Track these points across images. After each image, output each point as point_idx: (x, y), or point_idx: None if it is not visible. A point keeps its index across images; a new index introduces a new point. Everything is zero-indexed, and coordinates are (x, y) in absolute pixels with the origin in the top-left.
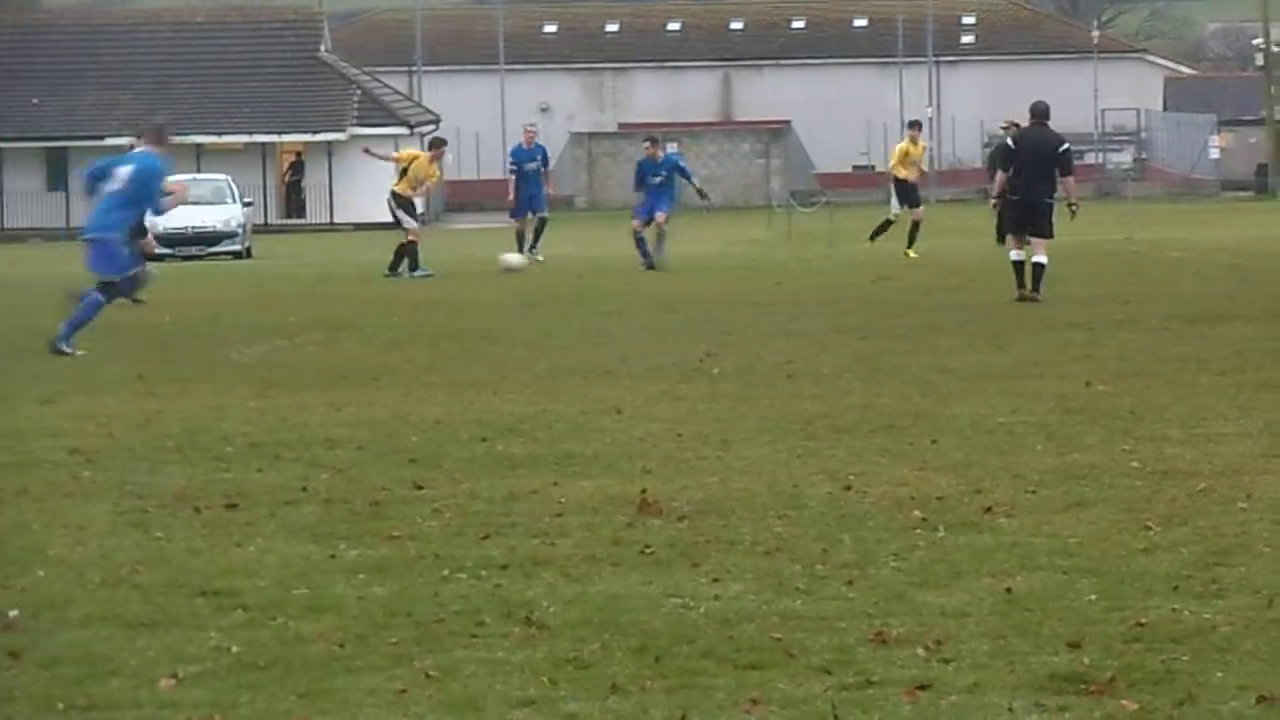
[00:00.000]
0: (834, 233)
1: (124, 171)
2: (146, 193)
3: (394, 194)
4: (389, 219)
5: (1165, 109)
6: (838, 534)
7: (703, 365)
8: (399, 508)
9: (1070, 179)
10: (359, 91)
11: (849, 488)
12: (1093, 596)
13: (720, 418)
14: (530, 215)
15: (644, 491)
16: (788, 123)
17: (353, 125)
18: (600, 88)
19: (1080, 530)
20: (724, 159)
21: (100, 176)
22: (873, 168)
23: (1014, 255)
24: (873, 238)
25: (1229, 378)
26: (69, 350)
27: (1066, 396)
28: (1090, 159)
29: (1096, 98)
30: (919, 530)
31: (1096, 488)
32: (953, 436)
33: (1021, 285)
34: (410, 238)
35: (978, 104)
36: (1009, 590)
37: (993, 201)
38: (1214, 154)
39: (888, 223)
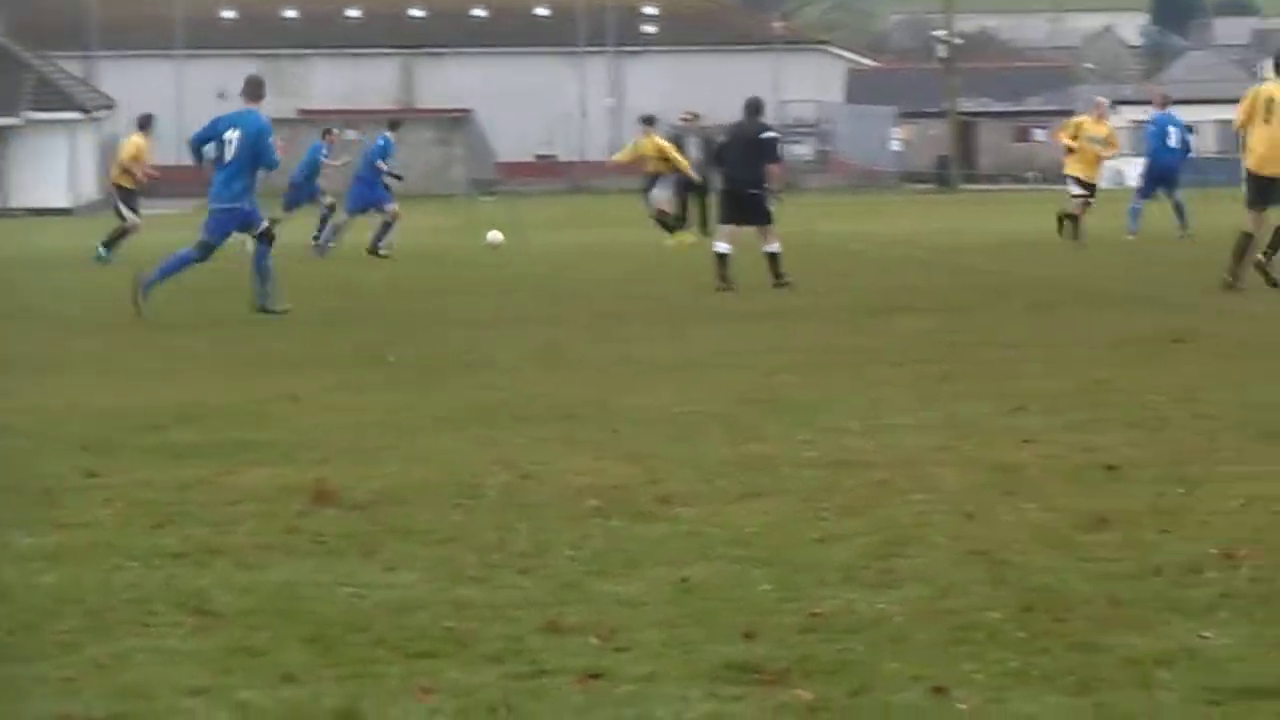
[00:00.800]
0: (517, 222)
1: (233, 136)
2: (261, 151)
3: (118, 187)
4: (64, 205)
5: (847, 101)
6: (514, 523)
7: (381, 353)
8: (71, 496)
9: (775, 166)
10: (34, 76)
11: (527, 477)
12: (768, 586)
13: (399, 407)
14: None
15: (319, 480)
16: (469, 111)
17: (28, 110)
18: (279, 74)
19: (756, 520)
20: (405, 147)
21: (204, 140)
22: (554, 157)
23: (719, 247)
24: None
25: (908, 369)
26: (278, 309)
27: (745, 387)
28: None
29: (778, 89)
30: (595, 519)
31: (773, 478)
32: (631, 426)
33: (723, 278)
34: (127, 227)
35: (660, 95)
36: (684, 580)
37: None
38: (895, 146)
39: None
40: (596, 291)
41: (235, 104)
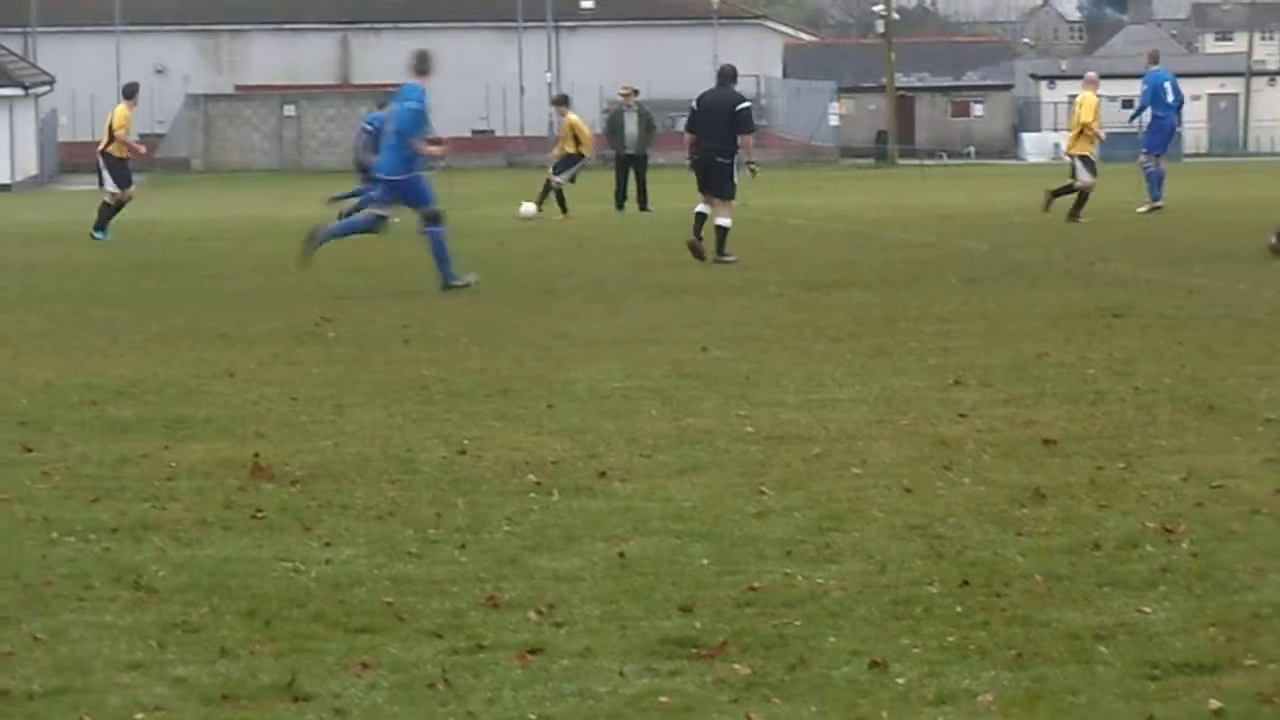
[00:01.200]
0: (453, 197)
1: (394, 110)
2: (401, 119)
3: (106, 154)
4: (3, 181)
5: (785, 75)
6: (451, 498)
7: (317, 329)
8: (7, 470)
9: (748, 138)
10: None
11: (464, 452)
12: (705, 561)
13: (335, 382)
14: None
15: (256, 455)
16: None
17: None
18: (217, 50)
19: (694, 495)
20: (342, 122)
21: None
22: (492, 132)
23: (700, 208)
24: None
25: (845, 344)
26: (464, 281)
27: (682, 362)
28: None
29: (716, 64)
30: (533, 494)
31: (711, 452)
32: (568, 401)
33: (698, 234)
34: (115, 199)
35: (598, 69)
36: (622, 554)
37: (689, 161)
38: (834, 121)
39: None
40: (533, 266)
41: (173, 80)
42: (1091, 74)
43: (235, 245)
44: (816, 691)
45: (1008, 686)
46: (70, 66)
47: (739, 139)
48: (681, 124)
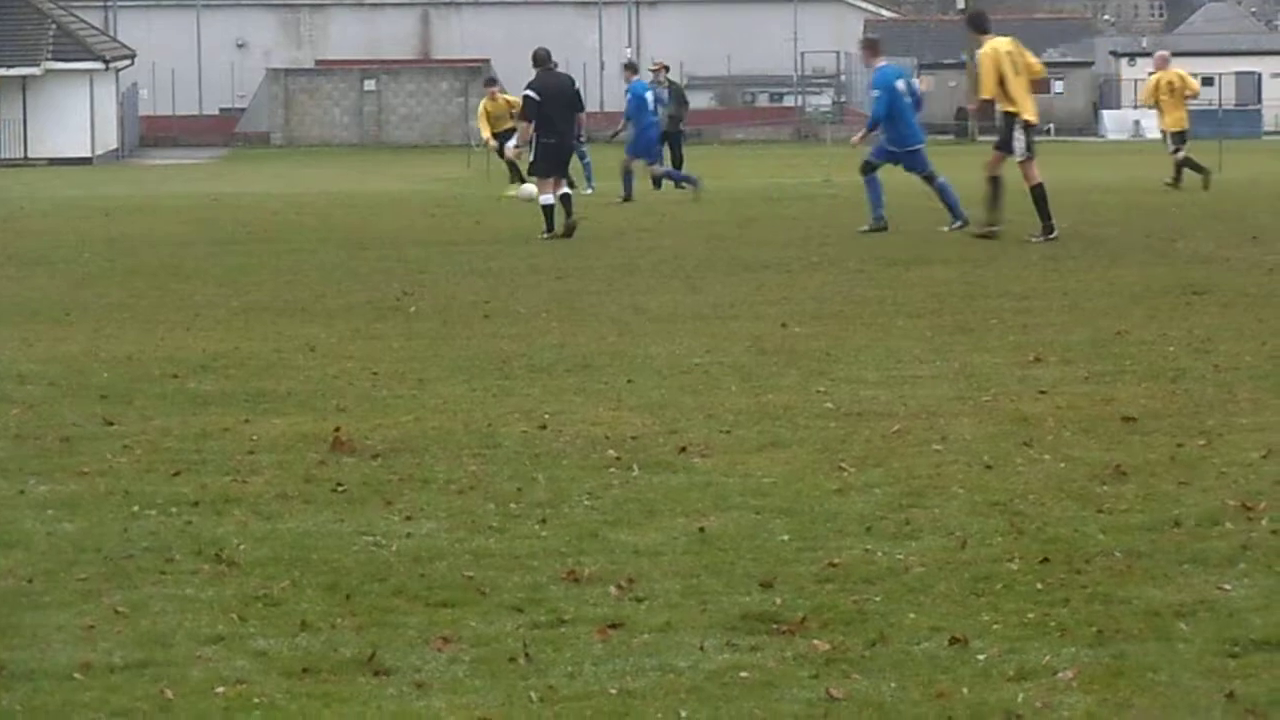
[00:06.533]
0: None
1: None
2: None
3: None
4: (84, 155)
5: None
6: (532, 473)
7: (398, 303)
8: (90, 444)
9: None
10: (54, 26)
11: (544, 427)
12: (785, 537)
13: (416, 356)
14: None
15: (337, 429)
16: (487, 61)
17: (48, 60)
18: (298, 24)
19: (774, 470)
20: (422, 97)
21: None
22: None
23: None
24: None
25: (925, 321)
26: None
27: (762, 338)
28: (789, 101)
29: (796, 40)
30: (613, 469)
31: (791, 428)
32: (648, 376)
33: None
34: None
35: (678, 46)
36: (702, 530)
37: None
38: None
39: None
40: (609, 241)
41: (254, 55)
42: (1161, 51)
43: (316, 219)
44: (896, 667)
45: (1088, 663)
46: (150, 40)
47: None
48: (764, 100)
